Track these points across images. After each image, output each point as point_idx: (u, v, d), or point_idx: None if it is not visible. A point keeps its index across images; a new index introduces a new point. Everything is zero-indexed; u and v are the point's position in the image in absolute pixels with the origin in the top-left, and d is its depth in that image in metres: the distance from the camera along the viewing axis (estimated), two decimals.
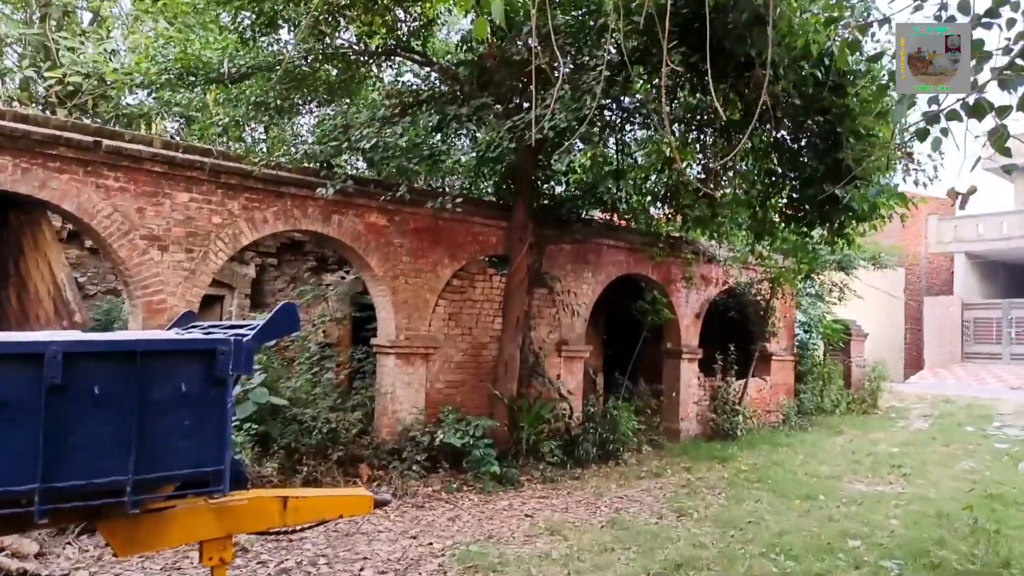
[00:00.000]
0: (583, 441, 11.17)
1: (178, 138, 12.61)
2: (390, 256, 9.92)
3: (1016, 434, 14.96)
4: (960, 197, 4.43)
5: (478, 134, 11.52)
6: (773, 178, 10.53)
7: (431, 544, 6.96)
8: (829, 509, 8.91)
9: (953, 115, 4.45)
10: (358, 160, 9.89)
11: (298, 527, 4.51)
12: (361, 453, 9.29)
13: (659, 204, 12.84)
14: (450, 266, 10.54)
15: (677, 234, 13.70)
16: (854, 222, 9.54)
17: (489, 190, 12.78)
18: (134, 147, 7.82)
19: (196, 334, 4.21)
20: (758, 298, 14.64)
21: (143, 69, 9.78)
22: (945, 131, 4.53)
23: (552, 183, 12.01)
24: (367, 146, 8.63)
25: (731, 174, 11.27)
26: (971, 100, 4.35)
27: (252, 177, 8.60)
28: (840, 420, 16.11)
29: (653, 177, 12.63)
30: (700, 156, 12.20)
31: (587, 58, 8.31)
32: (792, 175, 10.01)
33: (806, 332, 16.71)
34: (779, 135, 9.83)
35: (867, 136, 8.62)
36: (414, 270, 10.18)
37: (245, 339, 3.80)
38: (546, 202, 11.65)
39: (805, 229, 10.49)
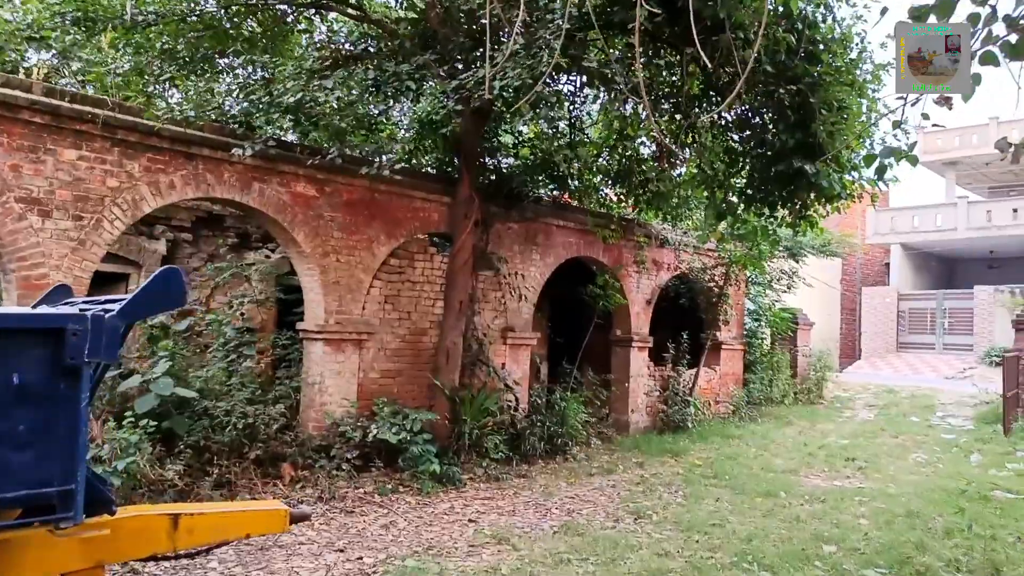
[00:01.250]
0: (529, 435, 10.37)
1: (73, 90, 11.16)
2: (320, 231, 8.87)
3: (959, 424, 14.90)
4: (1013, 148, 3.78)
5: (421, 98, 10.53)
6: (732, 156, 9.91)
7: (360, 559, 6.02)
8: (793, 508, 8.34)
9: (989, 57, 3.82)
10: (283, 121, 8.76)
11: (194, 551, 3.54)
12: (284, 451, 8.26)
13: (611, 183, 12.13)
14: (387, 244, 9.55)
15: (629, 216, 13.02)
16: (821, 202, 8.96)
17: (432, 166, 11.80)
18: (7, 92, 6.56)
19: (43, 309, 3.17)
20: (711, 284, 14.10)
21: (30, 11, 8.44)
22: (977, 76, 3.94)
23: (500, 156, 11.13)
24: (291, 100, 7.55)
25: (688, 152, 10.63)
26: (1013, 39, 3.73)
27: (156, 135, 7.43)
28: (788, 411, 15.80)
29: (606, 154, 11.94)
30: (655, 132, 11.54)
31: (543, 12, 7.42)
32: (756, 151, 9.38)
33: (755, 320, 16.33)
34: (743, 109, 9.19)
35: (839, 109, 8.03)
36: (347, 247, 9.15)
37: (107, 315, 2.79)
38: (493, 177, 10.76)
39: (766, 210, 9.87)
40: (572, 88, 10.72)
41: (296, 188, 8.65)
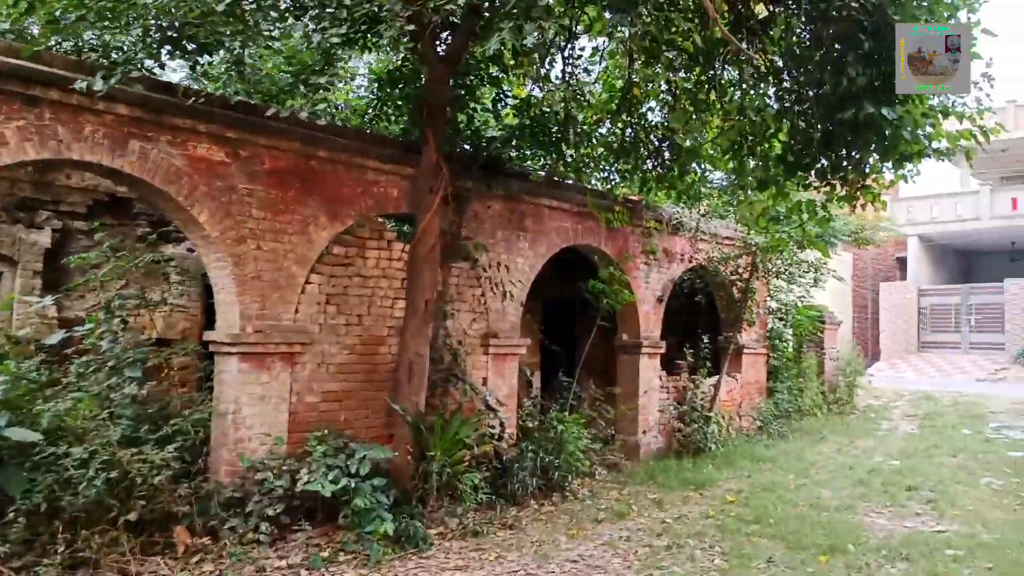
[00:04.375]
0: (519, 469, 8.16)
1: None
2: (233, 208, 6.64)
3: (1021, 437, 12.77)
4: None
5: (373, 47, 8.30)
6: (761, 116, 7.72)
7: None
8: (873, 571, 6.17)
9: None
10: (175, 57, 6.48)
11: None
12: (177, 509, 6.00)
13: (614, 159, 9.92)
14: (329, 227, 7.33)
15: (635, 197, 10.83)
16: (898, 163, 6.78)
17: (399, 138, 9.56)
18: None
19: None
20: (734, 278, 11.91)
21: None
22: None
23: (477, 119, 8.94)
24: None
25: (707, 111, 8.47)
26: None
27: None
28: (820, 424, 13.64)
29: (607, 124, 9.77)
30: (664, 90, 9.39)
31: None
32: (807, 99, 7.20)
33: (779, 320, 14.16)
34: (790, 42, 7.02)
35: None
36: (272, 231, 6.92)
37: None
38: (468, 146, 8.56)
39: (816, 180, 7.68)
40: (564, 40, 8.54)
41: (196, 150, 6.41)
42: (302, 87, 7.96)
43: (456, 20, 6.83)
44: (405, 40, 6.36)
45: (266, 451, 6.67)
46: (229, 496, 6.36)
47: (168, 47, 5.73)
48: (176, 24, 5.60)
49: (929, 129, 6.35)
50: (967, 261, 28.87)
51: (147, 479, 5.78)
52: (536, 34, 4.81)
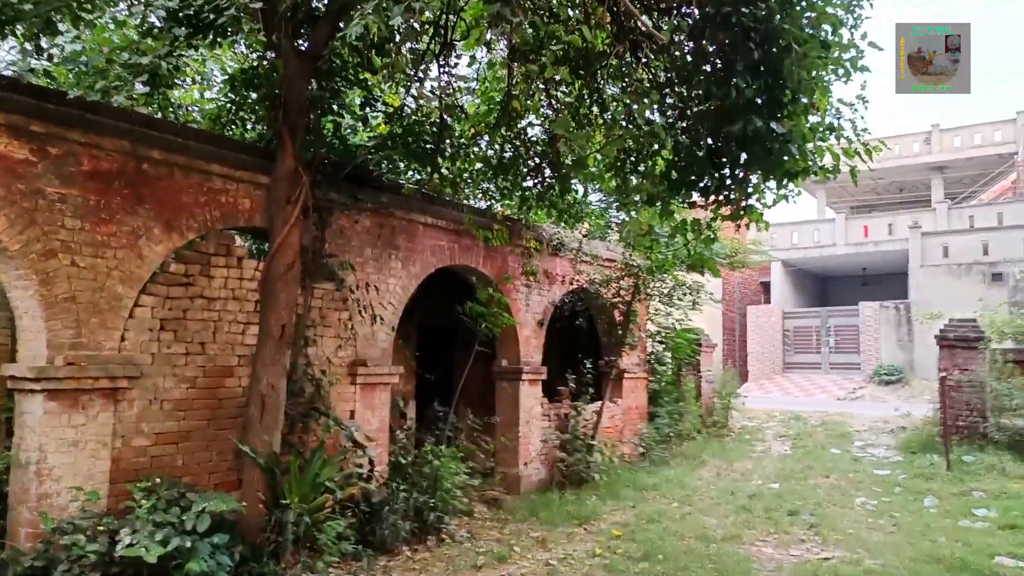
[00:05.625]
0: (389, 513, 7.35)
1: None
2: (39, 216, 5.52)
3: (884, 455, 13.23)
4: None
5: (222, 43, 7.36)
6: (649, 128, 7.43)
7: None
8: None
9: None
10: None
11: None
12: None
13: (492, 175, 9.41)
14: (166, 241, 6.30)
15: (514, 216, 10.35)
16: (781, 180, 6.60)
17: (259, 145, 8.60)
18: None
19: None
20: (616, 300, 11.63)
21: None
22: None
23: (342, 124, 8.16)
24: None
25: (588, 127, 8.12)
26: None
27: None
28: (700, 447, 13.58)
29: (485, 138, 9.26)
30: (545, 104, 9.03)
31: None
32: (692, 112, 6.96)
33: (660, 344, 14.08)
34: (677, 54, 6.76)
35: (822, 44, 5.73)
36: (92, 244, 5.83)
37: None
38: (328, 152, 7.73)
39: (699, 198, 7.45)
40: (437, 46, 7.97)
41: None
42: (139, 83, 6.99)
43: (317, 6, 6.10)
44: (255, 27, 5.56)
45: (78, 508, 5.52)
46: (30, 565, 5.19)
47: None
48: None
49: (820, 144, 6.21)
50: (823, 285, 30.64)
51: None
52: (402, 16, 4.15)
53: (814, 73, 5.88)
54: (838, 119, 6.30)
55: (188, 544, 5.39)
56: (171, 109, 8.56)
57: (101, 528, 5.38)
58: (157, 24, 6.79)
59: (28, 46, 5.28)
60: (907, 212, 26.56)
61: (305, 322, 7.27)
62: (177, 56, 7.06)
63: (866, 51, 6.01)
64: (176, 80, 7.94)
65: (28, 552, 5.29)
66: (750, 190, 6.91)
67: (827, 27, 5.78)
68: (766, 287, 29.38)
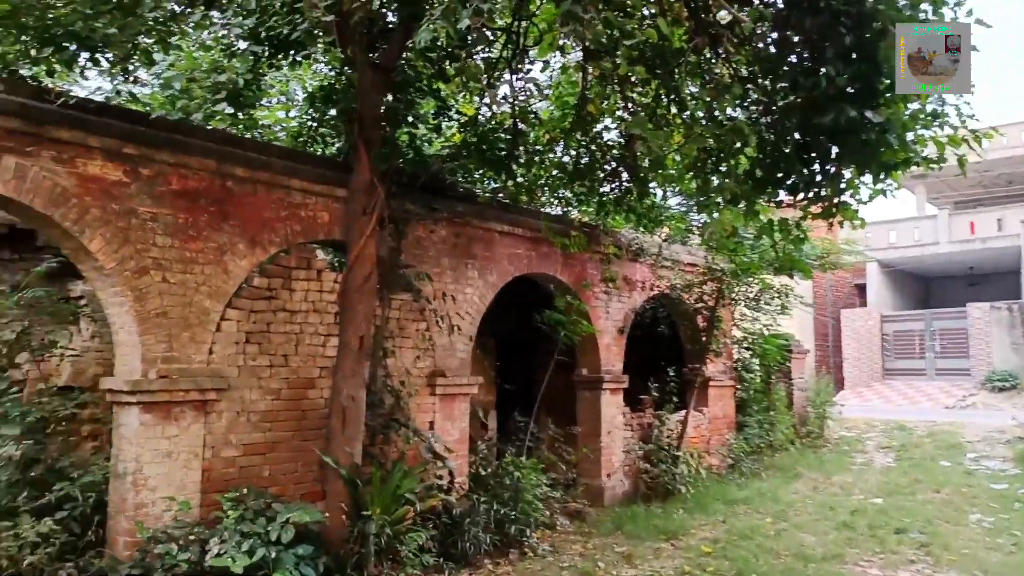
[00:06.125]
0: (470, 525, 7.28)
1: None
2: (132, 235, 5.74)
3: (1001, 467, 12.27)
4: None
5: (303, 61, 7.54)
6: (733, 124, 7.11)
7: None
8: None
9: None
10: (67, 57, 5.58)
11: None
12: None
13: (568, 181, 9.27)
14: (249, 256, 6.46)
15: (592, 222, 10.17)
16: (879, 174, 6.17)
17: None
18: None
19: None
20: (699, 306, 11.25)
21: None
22: None
23: (416, 135, 8.19)
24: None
25: (666, 127, 7.86)
26: None
27: None
28: (794, 459, 12.96)
29: (560, 144, 9.15)
30: (621, 106, 8.85)
31: None
32: (767, 116, 6.65)
33: (747, 350, 13.54)
34: (762, 44, 6.45)
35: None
36: (181, 261, 6.03)
37: None
38: (403, 163, 7.77)
39: (786, 196, 7.09)
40: (509, 53, 7.91)
41: (87, 168, 5.52)
42: (226, 104, 7.20)
43: (388, 15, 6.15)
44: (327, 41, 5.64)
45: (171, 517, 5.69)
46: (127, 574, 5.37)
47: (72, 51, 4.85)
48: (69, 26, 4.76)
49: (923, 133, 5.78)
50: (925, 286, 28.91)
51: (16, 559, 4.77)
52: (470, 20, 4.08)
53: None
54: (941, 105, 5.81)
55: (273, 555, 5.47)
56: (257, 129, 8.83)
57: (192, 537, 5.52)
58: (241, 46, 7.03)
59: (116, 70, 5.46)
60: (1018, 206, 24.73)
61: (384, 333, 7.31)
62: (258, 75, 7.30)
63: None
64: (259, 100, 8.20)
65: (125, 560, 5.48)
66: (843, 186, 6.52)
67: (927, 6, 5.36)
68: (861, 289, 27.95)
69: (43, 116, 5.23)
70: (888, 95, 5.54)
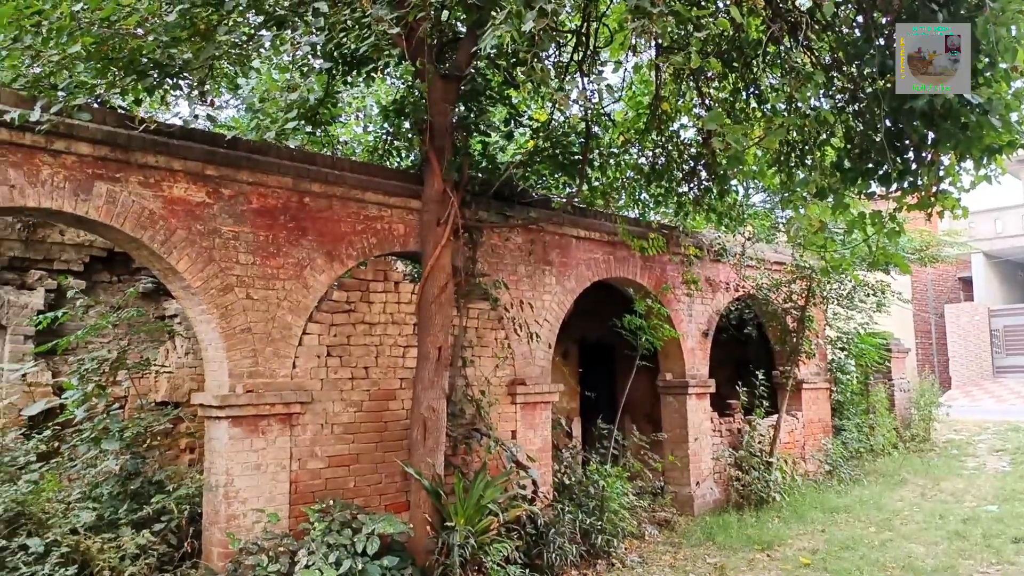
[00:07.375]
0: (555, 535, 7.15)
1: None
2: (216, 254, 5.93)
3: None
4: None
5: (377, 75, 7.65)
6: (816, 115, 6.76)
7: None
8: None
9: None
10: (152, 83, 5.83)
11: None
12: None
13: (644, 182, 9.07)
14: (328, 270, 6.57)
15: (671, 223, 9.92)
16: (980, 159, 5.73)
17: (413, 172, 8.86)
18: None
19: None
20: (788, 306, 10.78)
21: None
22: None
23: (488, 143, 8.18)
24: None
25: (745, 121, 7.54)
26: None
27: None
28: (897, 464, 12.24)
29: (636, 145, 8.96)
30: (697, 103, 8.64)
31: None
32: (854, 104, 6.29)
33: (841, 350, 12.90)
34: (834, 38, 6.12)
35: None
36: (263, 277, 6.18)
37: None
38: (476, 172, 7.75)
39: (878, 187, 6.67)
40: (580, 55, 7.79)
41: (172, 190, 5.73)
42: (303, 121, 7.36)
43: (456, 24, 6.15)
44: (394, 53, 5.67)
45: (261, 529, 5.82)
46: None
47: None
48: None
49: None
50: None
51: (118, 570, 4.97)
52: (535, 22, 4.00)
53: (1014, 30, 5.05)
54: None
55: (360, 566, 5.51)
56: (336, 145, 9.03)
57: (282, 549, 5.62)
58: (315, 66, 7.20)
59: (194, 94, 5.65)
60: None
61: (462, 343, 7.31)
62: (333, 92, 7.45)
63: None
64: (335, 117, 8.37)
65: (220, 572, 5.63)
66: (941, 173, 6.09)
67: None
68: (966, 283, 26.28)
69: (129, 143, 5.45)
70: (988, 74, 5.14)
